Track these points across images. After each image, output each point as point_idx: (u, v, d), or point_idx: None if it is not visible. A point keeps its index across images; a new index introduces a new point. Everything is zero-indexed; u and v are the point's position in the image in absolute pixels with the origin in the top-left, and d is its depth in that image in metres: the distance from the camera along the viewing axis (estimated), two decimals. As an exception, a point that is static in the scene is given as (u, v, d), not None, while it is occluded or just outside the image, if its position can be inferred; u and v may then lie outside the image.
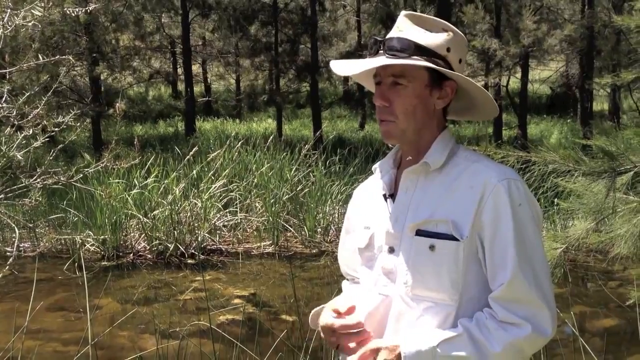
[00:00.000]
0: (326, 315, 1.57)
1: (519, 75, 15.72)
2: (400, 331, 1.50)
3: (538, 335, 1.43)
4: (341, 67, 1.57)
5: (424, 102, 1.52)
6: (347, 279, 1.82)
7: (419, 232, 1.49)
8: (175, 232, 7.64)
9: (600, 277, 6.55)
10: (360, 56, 16.81)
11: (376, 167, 1.65)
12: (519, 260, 1.43)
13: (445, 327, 1.46)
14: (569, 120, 18.94)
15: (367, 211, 1.65)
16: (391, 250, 1.54)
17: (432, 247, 1.47)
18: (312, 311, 1.68)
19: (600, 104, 20.58)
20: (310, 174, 9.19)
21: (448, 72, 1.50)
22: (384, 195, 1.59)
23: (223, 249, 7.82)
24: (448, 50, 1.52)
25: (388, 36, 1.54)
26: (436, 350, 1.41)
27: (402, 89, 1.51)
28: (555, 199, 7.04)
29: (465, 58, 1.59)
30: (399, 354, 1.42)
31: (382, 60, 1.50)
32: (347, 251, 1.76)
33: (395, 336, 1.49)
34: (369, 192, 1.68)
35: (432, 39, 1.51)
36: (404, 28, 1.53)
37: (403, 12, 1.57)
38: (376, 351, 1.45)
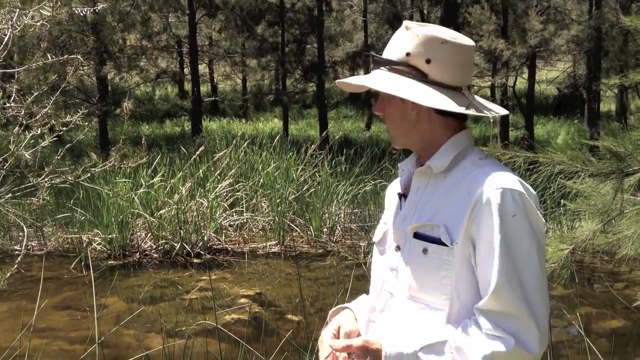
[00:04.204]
0: (327, 333, 1.64)
1: (525, 75, 15.65)
2: (395, 328, 1.53)
3: (522, 351, 1.38)
4: (345, 85, 1.62)
5: (402, 113, 1.55)
6: None
7: (416, 235, 1.50)
8: (182, 231, 7.66)
9: (606, 279, 6.52)
10: (367, 57, 16.82)
11: (400, 165, 1.68)
12: (505, 273, 1.38)
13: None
14: (576, 121, 18.86)
15: (388, 208, 1.69)
16: (397, 248, 1.56)
17: (425, 251, 1.47)
18: (330, 312, 1.73)
19: (608, 105, 20.49)
20: (316, 174, 9.19)
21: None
22: (399, 194, 1.62)
23: (229, 248, 7.83)
24: (408, 54, 1.50)
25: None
26: (417, 354, 1.42)
27: (385, 101, 1.57)
28: (562, 200, 7.01)
29: (439, 56, 1.49)
30: (380, 352, 1.44)
31: (358, 79, 1.56)
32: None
33: (382, 334, 1.52)
34: (392, 189, 1.70)
35: (394, 49, 1.53)
36: (392, 43, 1.57)
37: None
38: (362, 348, 1.47)
